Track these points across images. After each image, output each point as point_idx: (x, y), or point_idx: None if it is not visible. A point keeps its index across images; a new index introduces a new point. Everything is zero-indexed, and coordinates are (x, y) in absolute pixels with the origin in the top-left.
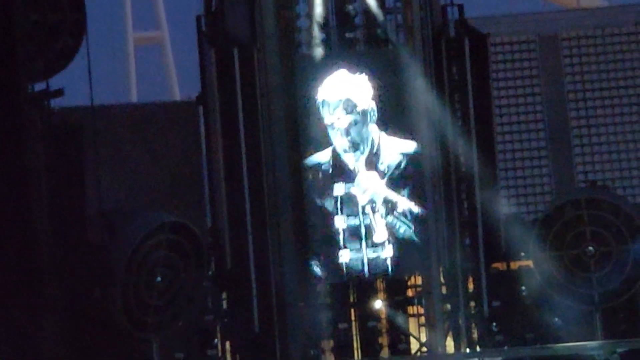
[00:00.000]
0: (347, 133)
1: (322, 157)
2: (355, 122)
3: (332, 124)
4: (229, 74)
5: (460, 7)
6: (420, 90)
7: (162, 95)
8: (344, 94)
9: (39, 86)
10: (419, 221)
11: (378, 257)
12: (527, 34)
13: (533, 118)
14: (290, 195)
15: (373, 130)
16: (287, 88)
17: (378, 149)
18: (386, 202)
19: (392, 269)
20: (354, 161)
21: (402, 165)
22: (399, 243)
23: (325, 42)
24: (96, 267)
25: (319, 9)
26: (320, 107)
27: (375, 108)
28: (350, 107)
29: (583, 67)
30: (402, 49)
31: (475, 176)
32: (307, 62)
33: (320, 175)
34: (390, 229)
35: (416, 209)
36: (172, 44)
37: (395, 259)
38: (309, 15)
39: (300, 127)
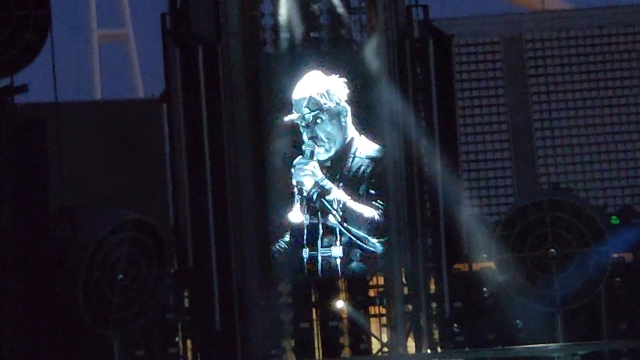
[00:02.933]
0: (309, 130)
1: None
2: (320, 120)
3: (298, 121)
4: (193, 72)
5: (425, 8)
6: (384, 91)
7: (126, 92)
8: (308, 92)
9: (3, 82)
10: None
11: (330, 256)
12: (491, 36)
13: (496, 120)
14: (253, 193)
15: (345, 133)
16: (251, 87)
17: (347, 153)
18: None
19: (341, 270)
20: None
21: (368, 169)
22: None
23: (290, 42)
24: (58, 263)
25: (283, 8)
26: (293, 107)
27: (346, 110)
28: (313, 105)
29: (547, 70)
30: (367, 49)
31: (438, 177)
32: (272, 61)
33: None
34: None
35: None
36: (137, 41)
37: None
38: (274, 14)
39: (263, 126)
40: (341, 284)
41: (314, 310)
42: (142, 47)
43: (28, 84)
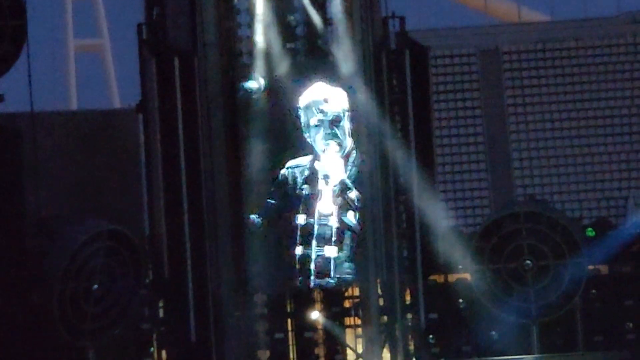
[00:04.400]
0: (330, 128)
1: (303, 160)
2: (337, 120)
3: (316, 121)
4: (169, 83)
5: (402, 20)
6: (360, 102)
7: (102, 102)
8: (323, 96)
9: None
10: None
11: (322, 255)
12: (467, 47)
13: (473, 131)
14: (229, 204)
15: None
16: (227, 98)
17: (347, 162)
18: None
19: (334, 274)
20: (330, 159)
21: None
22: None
23: (266, 53)
24: (33, 274)
25: (260, 19)
26: (302, 112)
27: (348, 119)
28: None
29: (523, 82)
30: (343, 60)
31: (414, 188)
32: (248, 72)
33: (296, 176)
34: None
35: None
36: (113, 51)
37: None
38: (250, 25)
39: (239, 137)
40: (317, 295)
41: (289, 321)
42: (118, 57)
43: (4, 94)
